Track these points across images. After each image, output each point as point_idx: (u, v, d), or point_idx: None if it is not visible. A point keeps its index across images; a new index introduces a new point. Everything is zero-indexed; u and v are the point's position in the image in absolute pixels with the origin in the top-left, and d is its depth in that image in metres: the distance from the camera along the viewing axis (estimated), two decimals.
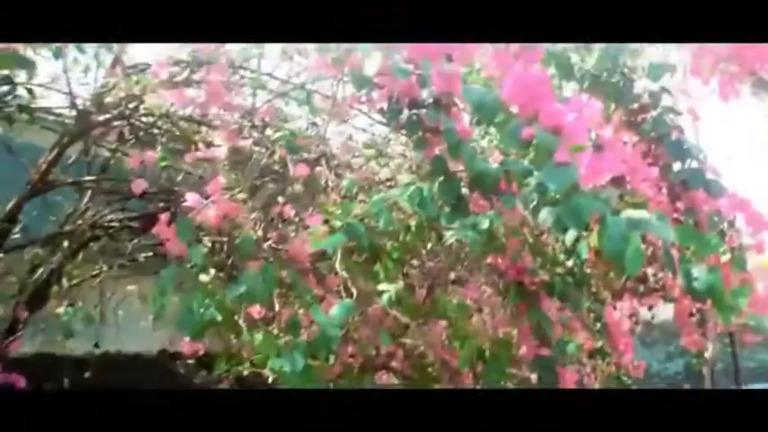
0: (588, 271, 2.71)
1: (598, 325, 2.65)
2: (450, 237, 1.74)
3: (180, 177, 2.86)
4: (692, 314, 3.33)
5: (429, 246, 2.10)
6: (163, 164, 2.67)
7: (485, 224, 1.70)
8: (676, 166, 2.82)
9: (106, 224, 2.97)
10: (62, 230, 2.89)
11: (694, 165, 2.53)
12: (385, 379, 2.22)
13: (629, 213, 1.61)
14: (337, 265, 1.84)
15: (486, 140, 2.70)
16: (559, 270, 2.25)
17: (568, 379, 2.23)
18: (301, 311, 1.82)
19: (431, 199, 1.75)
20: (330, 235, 1.61)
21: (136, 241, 2.80)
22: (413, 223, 1.84)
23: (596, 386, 3.75)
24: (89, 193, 3.05)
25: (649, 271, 3.33)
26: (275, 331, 1.87)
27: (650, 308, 4.01)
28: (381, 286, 1.90)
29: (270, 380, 1.80)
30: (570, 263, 2.59)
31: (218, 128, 2.72)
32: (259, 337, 1.82)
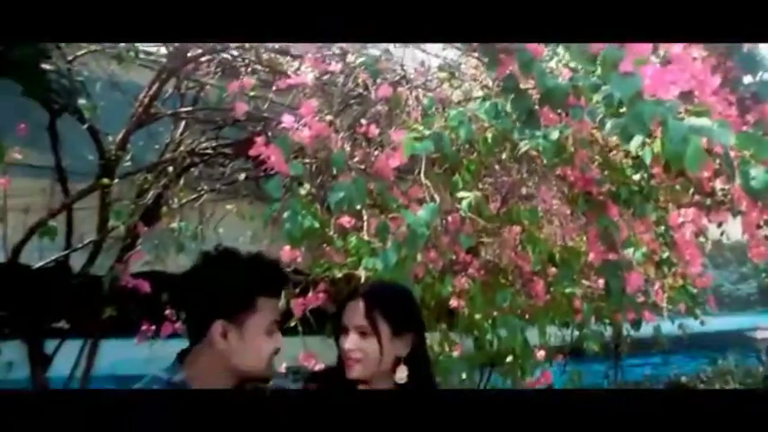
0: (655, 184, 2.83)
1: (662, 229, 2.77)
2: (523, 145, 1.91)
3: (266, 106, 3.09)
4: (759, 226, 3.40)
5: (504, 156, 2.26)
6: (251, 93, 2.90)
7: (554, 134, 1.86)
8: (747, 79, 2.86)
9: (201, 151, 3.26)
10: (163, 158, 3.19)
11: (767, 77, 2.57)
12: (463, 282, 2.44)
13: (692, 121, 1.74)
14: (422, 176, 2.04)
15: (554, 61, 2.80)
16: (626, 182, 2.38)
17: (634, 281, 2.39)
18: (388, 219, 2.04)
19: (504, 113, 1.91)
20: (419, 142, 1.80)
21: (231, 166, 3.07)
22: (489, 135, 2.01)
23: (664, 301, 3.87)
24: (183, 123, 3.33)
25: (717, 185, 3.40)
26: (365, 237, 2.11)
27: (720, 225, 4.06)
28: (461, 194, 2.10)
29: (363, 279, 2.04)
30: (637, 177, 2.72)
31: (299, 57, 2.93)
32: (353, 241, 2.06)
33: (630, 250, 2.78)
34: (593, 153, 2.32)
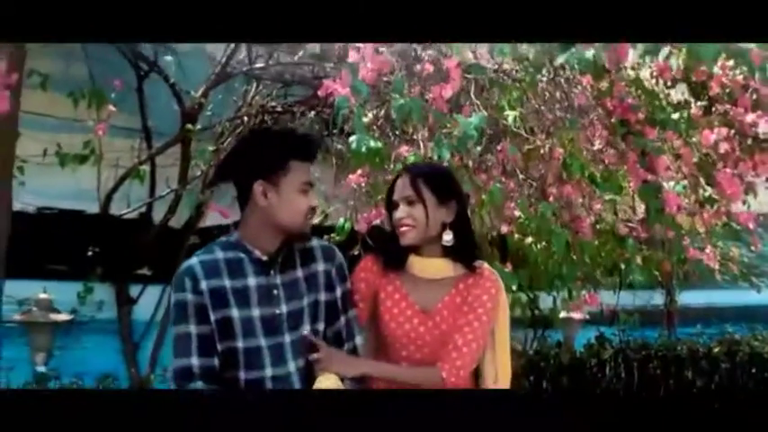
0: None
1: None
2: (561, 58, 2.13)
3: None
4: None
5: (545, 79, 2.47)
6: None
7: (589, 53, 2.08)
8: None
9: (271, 109, 3.59)
10: (238, 114, 3.54)
11: None
12: (512, 207, 2.63)
13: None
14: (472, 95, 2.29)
15: None
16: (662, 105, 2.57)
17: (672, 201, 2.57)
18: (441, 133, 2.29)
19: None
20: None
21: (299, 122, 3.37)
22: (531, 53, 2.23)
23: (716, 264, 3.92)
24: (255, 84, 3.66)
25: (760, 130, 3.50)
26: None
27: None
28: (506, 112, 2.34)
29: None
30: (676, 116, 2.90)
31: None
32: (411, 158, 2.33)
33: (671, 184, 2.96)
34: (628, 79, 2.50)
